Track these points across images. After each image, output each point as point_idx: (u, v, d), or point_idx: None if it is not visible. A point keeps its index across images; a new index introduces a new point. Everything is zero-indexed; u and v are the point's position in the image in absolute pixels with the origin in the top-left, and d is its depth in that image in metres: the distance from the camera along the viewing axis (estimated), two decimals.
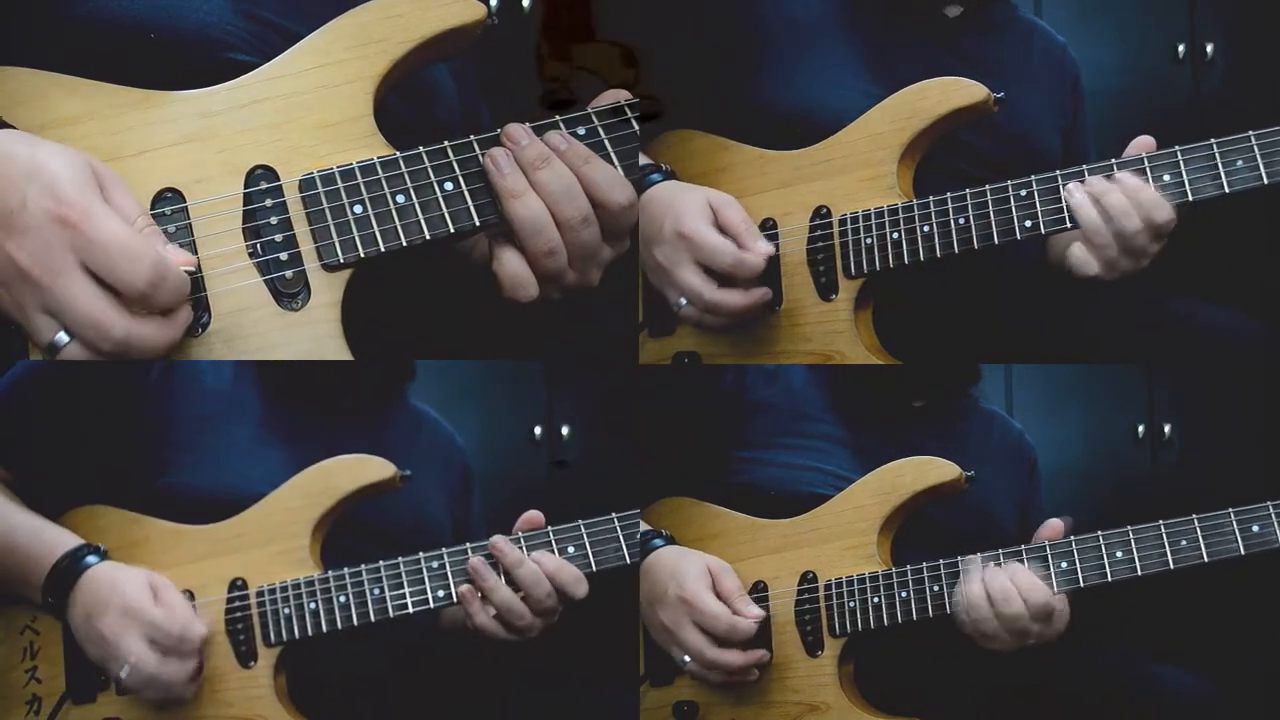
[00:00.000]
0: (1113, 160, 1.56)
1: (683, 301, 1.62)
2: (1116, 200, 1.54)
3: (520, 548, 1.56)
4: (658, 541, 1.66)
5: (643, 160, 1.63)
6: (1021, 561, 1.60)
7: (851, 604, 1.65)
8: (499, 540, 1.56)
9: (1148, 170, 1.54)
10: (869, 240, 1.62)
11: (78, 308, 1.33)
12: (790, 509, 1.68)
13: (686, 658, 1.64)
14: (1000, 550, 1.61)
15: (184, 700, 1.55)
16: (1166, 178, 1.54)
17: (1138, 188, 1.54)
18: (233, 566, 1.57)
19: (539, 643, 1.58)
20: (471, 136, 1.47)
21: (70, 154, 1.36)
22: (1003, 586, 1.58)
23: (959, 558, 1.62)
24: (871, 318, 1.65)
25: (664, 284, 1.63)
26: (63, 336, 1.34)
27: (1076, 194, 1.55)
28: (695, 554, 1.67)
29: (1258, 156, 1.53)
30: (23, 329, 1.36)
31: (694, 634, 1.64)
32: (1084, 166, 1.56)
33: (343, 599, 1.56)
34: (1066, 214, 1.56)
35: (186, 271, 1.37)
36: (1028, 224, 1.58)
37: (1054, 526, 1.60)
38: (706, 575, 1.65)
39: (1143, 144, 1.56)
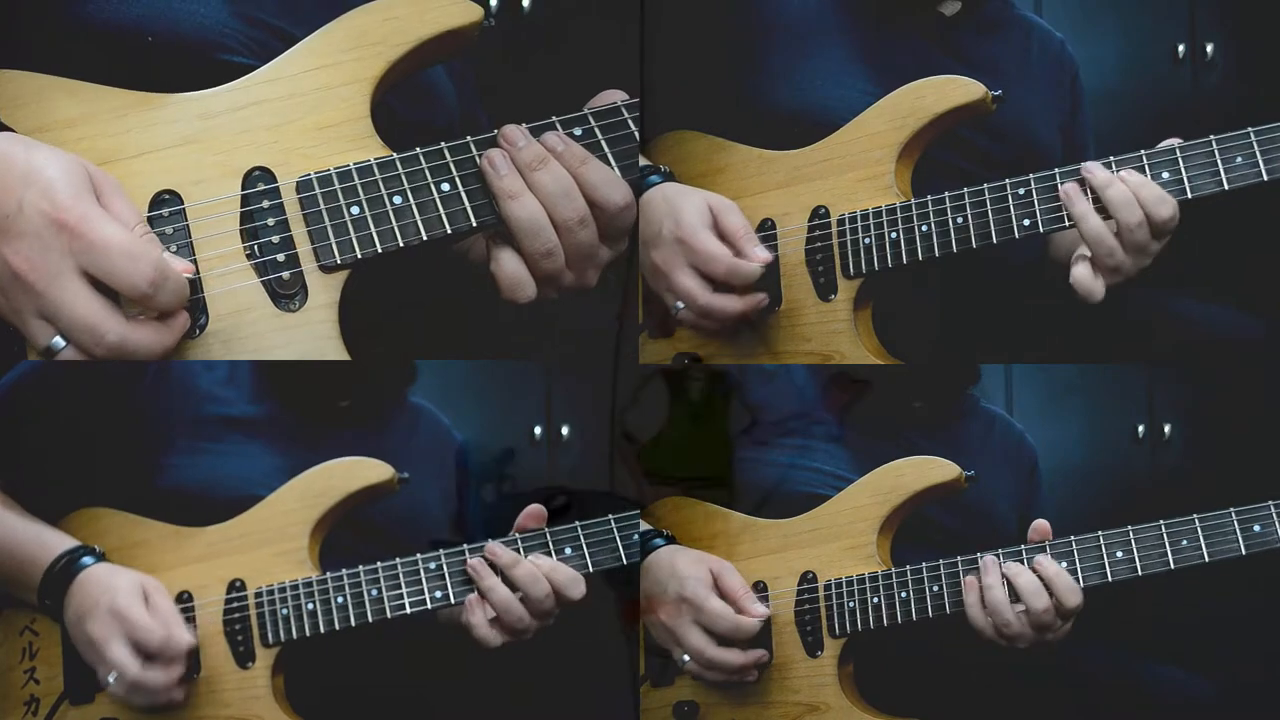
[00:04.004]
0: (1111, 158, 1.55)
1: (679, 304, 1.62)
2: (1118, 192, 1.53)
3: (517, 549, 1.56)
4: (658, 541, 1.66)
5: (642, 161, 1.63)
6: (1021, 561, 1.59)
7: (851, 604, 1.64)
8: (493, 545, 1.56)
9: (1146, 168, 1.54)
10: (867, 240, 1.62)
11: (73, 312, 1.33)
12: (790, 509, 1.68)
13: (686, 657, 1.64)
14: (1000, 550, 1.60)
15: (171, 705, 1.55)
16: (1165, 174, 1.54)
17: (1140, 184, 1.53)
18: (231, 568, 1.57)
19: (539, 643, 1.58)
20: (468, 138, 1.47)
21: (67, 159, 1.36)
22: (1030, 582, 1.57)
23: (958, 557, 1.61)
24: (871, 318, 1.64)
25: (661, 286, 1.63)
26: (59, 341, 1.34)
27: (1079, 203, 1.54)
28: (696, 553, 1.66)
29: (1257, 153, 1.52)
30: (20, 334, 1.36)
31: (696, 633, 1.63)
32: (1078, 165, 1.56)
33: (340, 600, 1.56)
34: (1065, 216, 1.56)
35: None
36: (1026, 223, 1.57)
37: (1041, 528, 1.60)
38: (708, 575, 1.65)
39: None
